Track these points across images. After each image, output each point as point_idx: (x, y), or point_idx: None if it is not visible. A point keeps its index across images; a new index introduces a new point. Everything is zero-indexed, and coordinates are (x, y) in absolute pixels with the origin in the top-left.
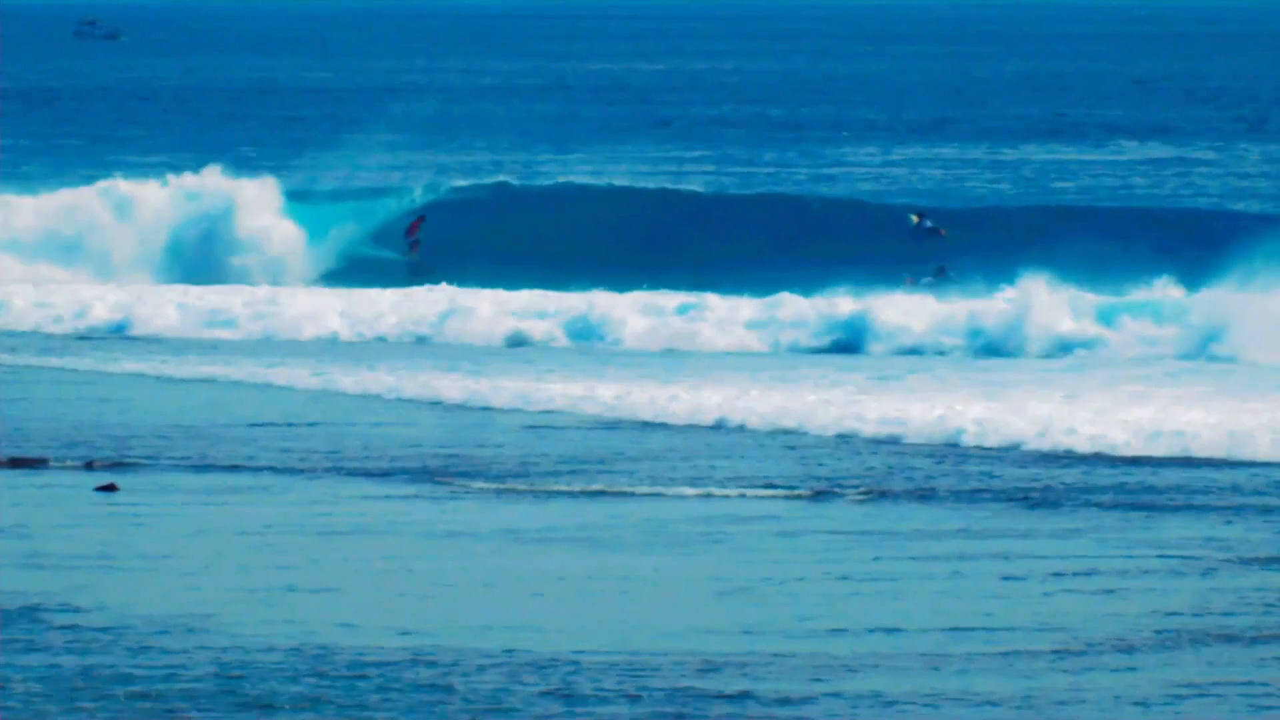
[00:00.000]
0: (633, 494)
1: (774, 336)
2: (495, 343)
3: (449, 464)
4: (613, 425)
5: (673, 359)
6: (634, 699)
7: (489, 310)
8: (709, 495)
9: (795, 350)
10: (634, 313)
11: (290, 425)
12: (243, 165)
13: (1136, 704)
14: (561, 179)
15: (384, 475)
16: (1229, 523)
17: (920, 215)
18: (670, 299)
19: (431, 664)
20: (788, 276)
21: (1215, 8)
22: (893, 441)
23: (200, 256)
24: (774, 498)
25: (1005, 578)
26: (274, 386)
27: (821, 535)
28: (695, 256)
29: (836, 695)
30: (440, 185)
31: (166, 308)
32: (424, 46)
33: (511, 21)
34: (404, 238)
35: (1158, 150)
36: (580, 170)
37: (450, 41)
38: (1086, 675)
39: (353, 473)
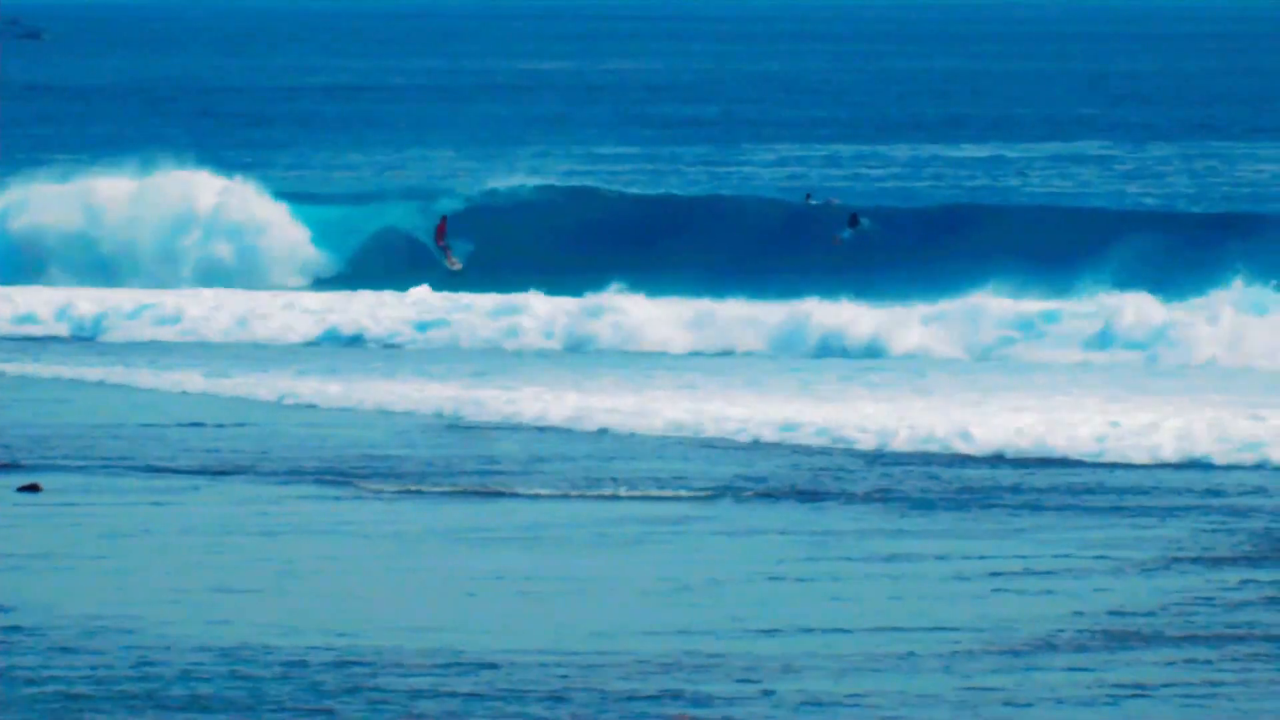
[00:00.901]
0: (567, 496)
1: (723, 338)
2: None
3: (370, 465)
4: (515, 428)
5: (580, 360)
6: (560, 700)
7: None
8: (619, 498)
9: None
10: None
11: (219, 426)
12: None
13: (1072, 703)
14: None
15: (308, 477)
16: (1160, 524)
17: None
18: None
19: (361, 664)
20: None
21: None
22: (811, 444)
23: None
24: (695, 498)
25: (940, 578)
26: (197, 391)
27: (748, 536)
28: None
29: (769, 695)
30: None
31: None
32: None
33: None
34: (435, 246)
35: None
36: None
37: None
38: (1023, 675)
39: (275, 474)
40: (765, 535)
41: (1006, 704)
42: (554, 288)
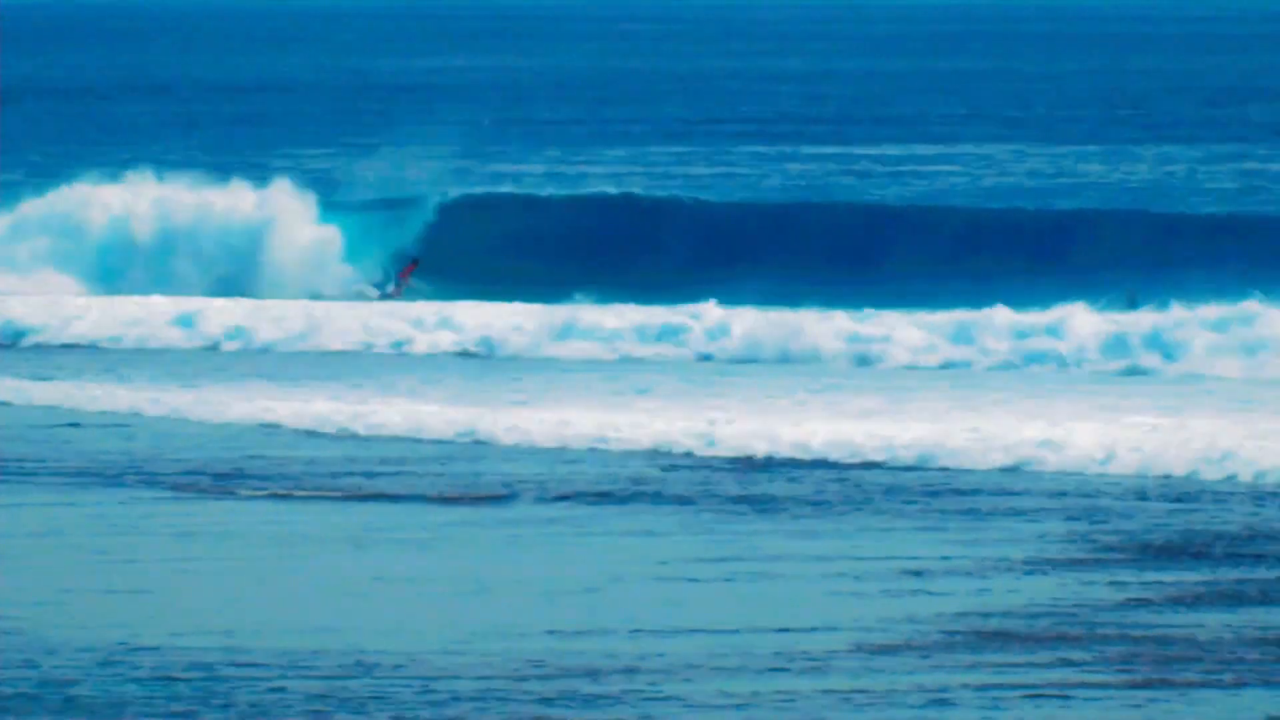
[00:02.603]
0: (426, 498)
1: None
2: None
3: (239, 469)
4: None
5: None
6: (438, 704)
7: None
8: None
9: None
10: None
11: (101, 428)
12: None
13: (942, 704)
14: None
15: (182, 481)
16: (1030, 526)
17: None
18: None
19: (246, 664)
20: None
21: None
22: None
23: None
24: (555, 500)
25: (809, 579)
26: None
27: (611, 537)
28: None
29: (635, 694)
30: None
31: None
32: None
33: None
34: (395, 277)
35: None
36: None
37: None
38: (894, 676)
39: (149, 477)
40: (654, 537)
41: (876, 704)
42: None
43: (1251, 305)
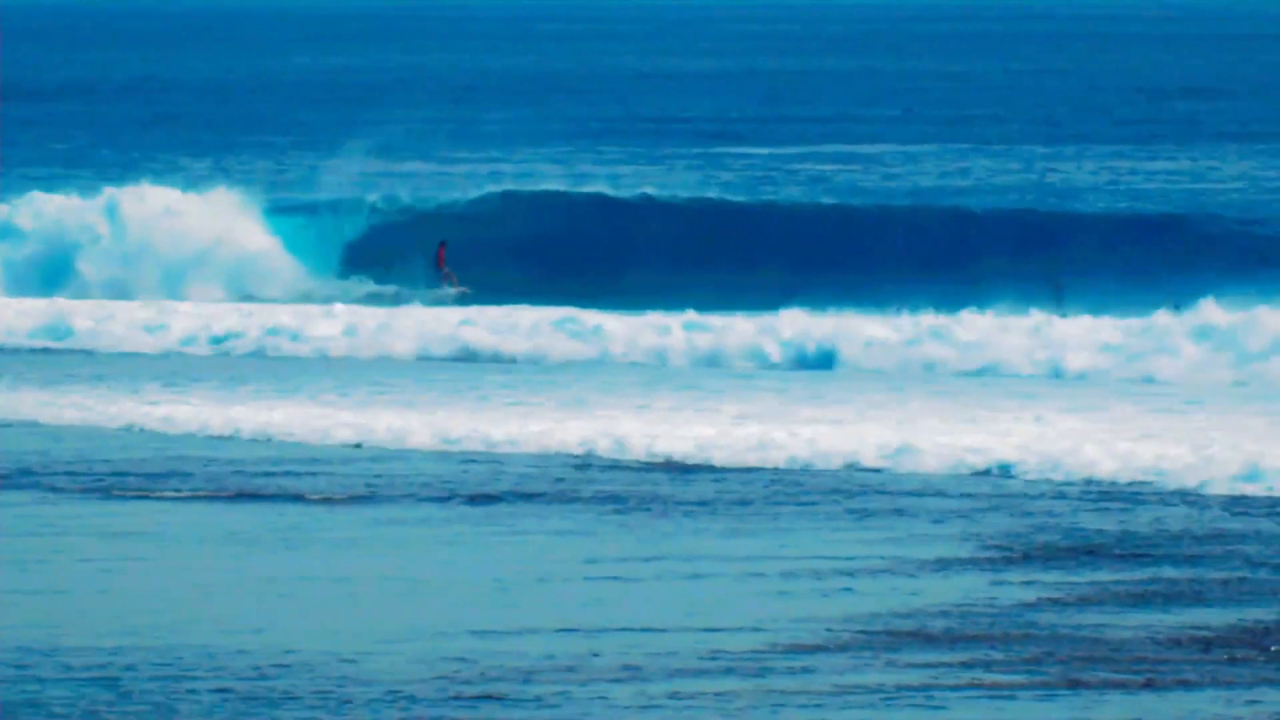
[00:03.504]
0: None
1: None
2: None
3: (164, 470)
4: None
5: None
6: (362, 704)
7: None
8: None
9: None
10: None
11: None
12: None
13: (848, 703)
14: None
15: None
16: (943, 527)
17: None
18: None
19: (166, 664)
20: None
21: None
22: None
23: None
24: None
25: (725, 579)
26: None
27: (537, 537)
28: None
29: (560, 695)
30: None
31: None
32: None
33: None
34: (435, 270)
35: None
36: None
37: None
38: (802, 675)
39: (72, 479)
40: (580, 536)
41: (794, 704)
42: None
43: (1161, 316)
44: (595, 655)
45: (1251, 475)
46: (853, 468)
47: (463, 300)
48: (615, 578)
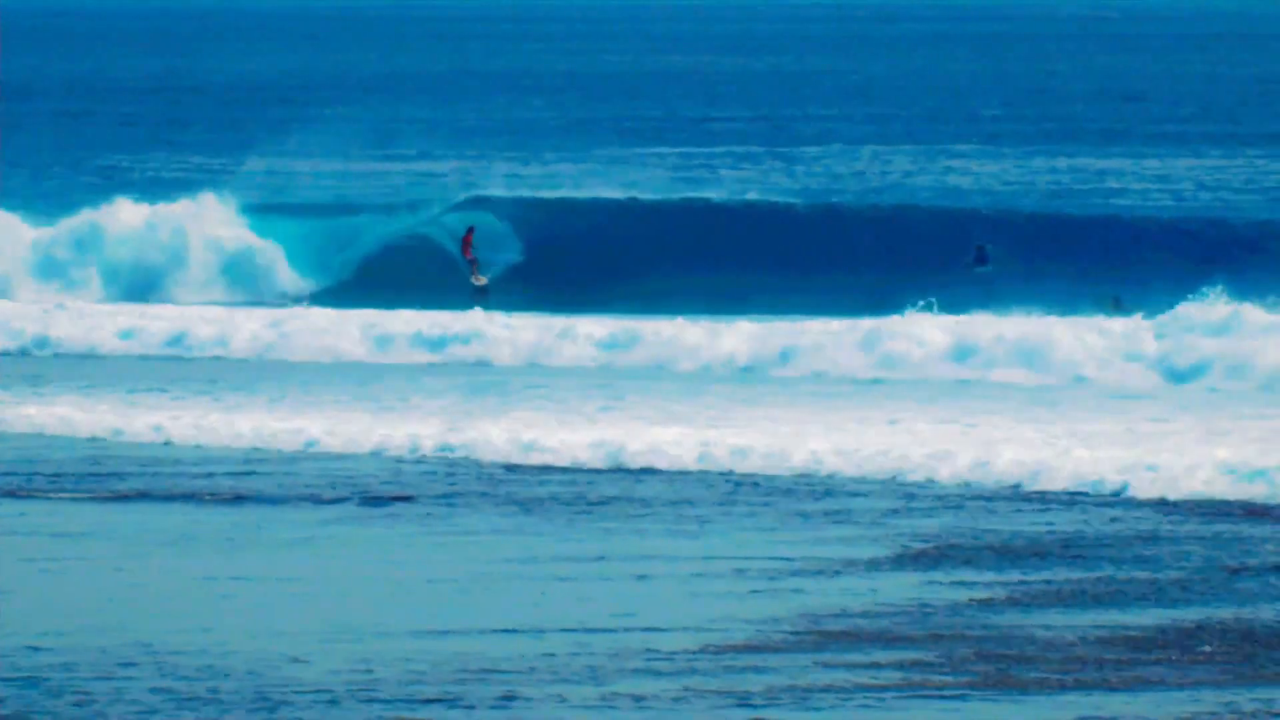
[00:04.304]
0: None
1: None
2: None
3: (97, 472)
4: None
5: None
6: (282, 704)
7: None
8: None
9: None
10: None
11: None
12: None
13: (781, 702)
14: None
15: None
16: (864, 528)
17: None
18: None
19: (109, 664)
20: None
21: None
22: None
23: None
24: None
25: (649, 578)
26: None
27: (475, 537)
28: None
29: (494, 695)
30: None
31: None
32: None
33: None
34: (461, 259)
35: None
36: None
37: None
38: (735, 675)
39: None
40: (516, 536)
41: (727, 703)
42: None
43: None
44: (521, 656)
45: (1178, 479)
46: (788, 471)
47: (481, 294)
48: (559, 578)
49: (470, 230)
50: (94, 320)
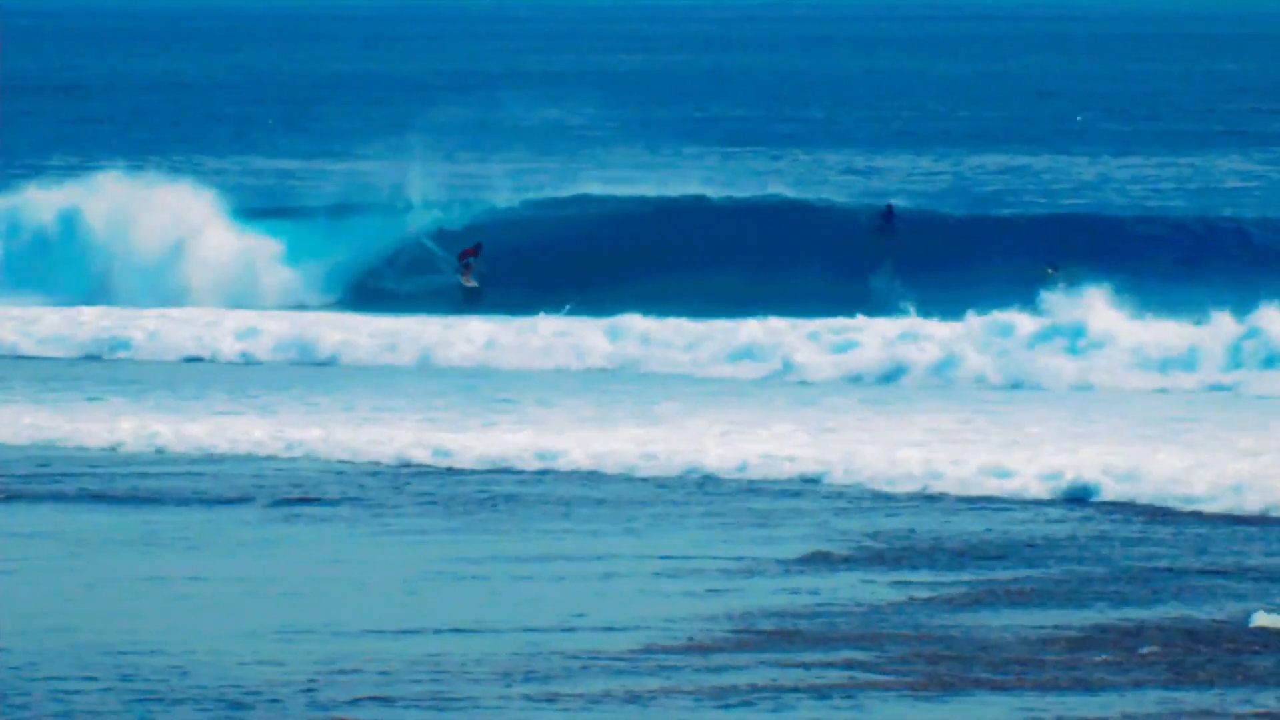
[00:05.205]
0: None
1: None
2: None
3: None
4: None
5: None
6: (237, 706)
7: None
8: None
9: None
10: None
11: None
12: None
13: (721, 703)
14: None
15: None
16: (805, 529)
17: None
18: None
19: (19, 666)
20: None
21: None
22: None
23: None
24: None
25: (585, 579)
26: None
27: (405, 537)
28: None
29: (433, 695)
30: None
31: None
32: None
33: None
34: (457, 262)
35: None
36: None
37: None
38: (674, 675)
39: None
40: (447, 536)
41: (666, 705)
42: None
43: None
44: (441, 655)
45: (1125, 479)
46: (724, 470)
47: (471, 296)
48: (486, 578)
49: (478, 245)
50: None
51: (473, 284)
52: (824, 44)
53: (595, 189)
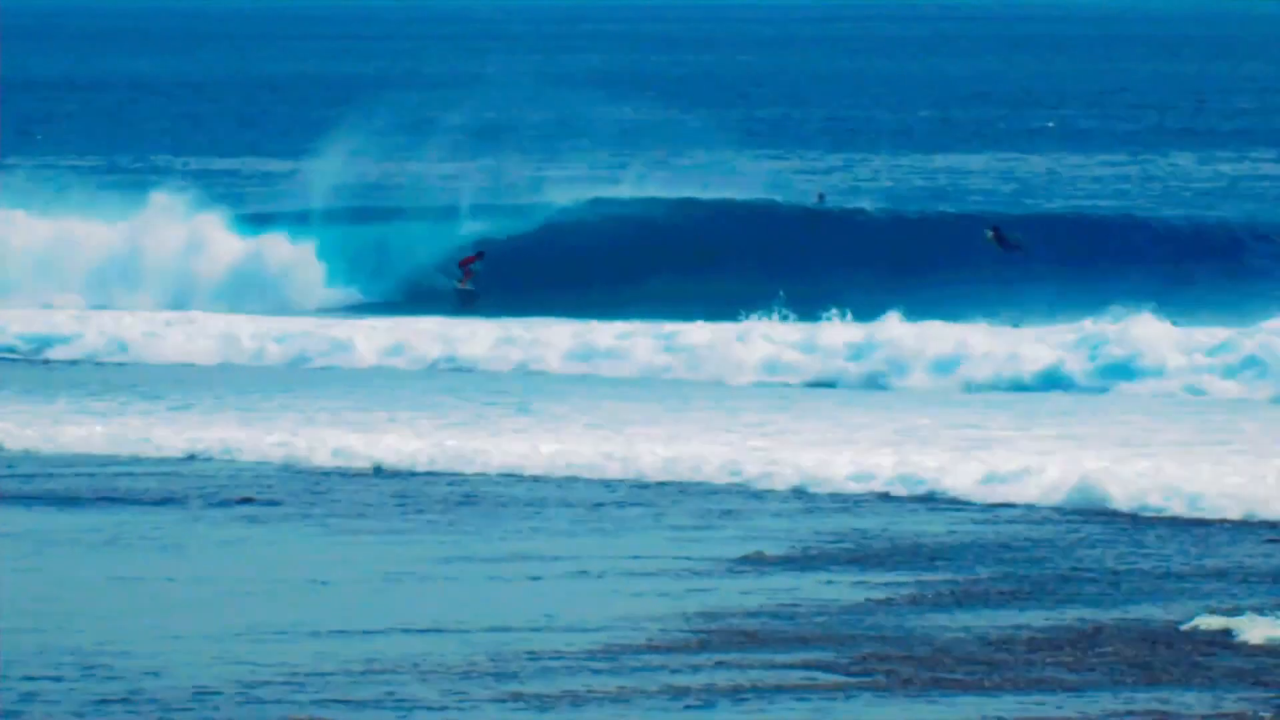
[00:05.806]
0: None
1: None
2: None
3: None
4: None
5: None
6: (208, 705)
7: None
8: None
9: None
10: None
11: None
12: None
13: (679, 705)
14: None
15: None
16: (763, 527)
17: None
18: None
19: None
20: None
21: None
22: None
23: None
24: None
25: (543, 578)
26: None
27: (349, 537)
28: None
29: (389, 696)
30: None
31: None
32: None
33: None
34: (457, 266)
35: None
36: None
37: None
38: (631, 675)
39: None
40: (369, 536)
41: (623, 706)
42: None
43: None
44: (409, 656)
45: (1082, 486)
46: (682, 473)
47: (465, 299)
48: (446, 579)
49: (480, 253)
50: None
51: (468, 288)
52: (826, 44)
53: (604, 192)
